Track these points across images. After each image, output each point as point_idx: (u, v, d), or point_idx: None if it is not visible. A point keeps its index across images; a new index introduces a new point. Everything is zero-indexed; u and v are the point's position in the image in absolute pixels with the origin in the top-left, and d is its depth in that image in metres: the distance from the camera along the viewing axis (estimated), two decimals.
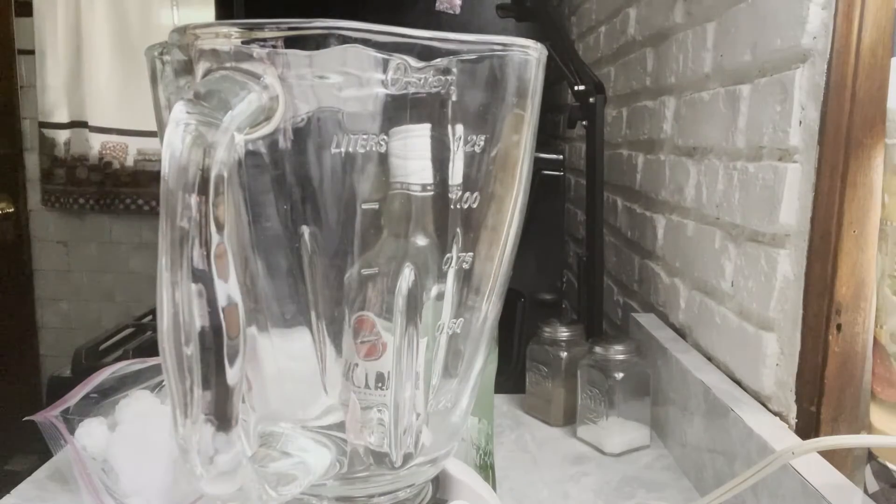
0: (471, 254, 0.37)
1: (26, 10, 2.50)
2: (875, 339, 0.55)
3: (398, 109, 0.32)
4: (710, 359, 0.75)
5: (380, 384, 0.37)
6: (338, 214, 0.34)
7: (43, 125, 2.54)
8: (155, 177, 2.54)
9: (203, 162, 0.27)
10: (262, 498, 0.32)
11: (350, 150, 0.32)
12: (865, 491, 0.52)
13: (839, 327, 0.56)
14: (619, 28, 1.18)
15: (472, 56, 0.33)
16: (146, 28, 2.47)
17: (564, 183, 1.19)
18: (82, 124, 2.51)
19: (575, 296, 1.14)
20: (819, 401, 0.57)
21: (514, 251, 0.40)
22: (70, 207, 2.60)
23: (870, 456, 0.53)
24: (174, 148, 0.27)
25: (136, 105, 2.50)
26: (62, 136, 2.55)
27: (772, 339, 0.62)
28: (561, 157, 1.15)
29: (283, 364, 0.38)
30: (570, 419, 0.85)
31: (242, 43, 0.30)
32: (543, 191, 1.12)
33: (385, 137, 0.32)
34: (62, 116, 2.53)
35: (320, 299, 0.35)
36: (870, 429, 0.55)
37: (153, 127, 0.37)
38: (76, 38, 2.46)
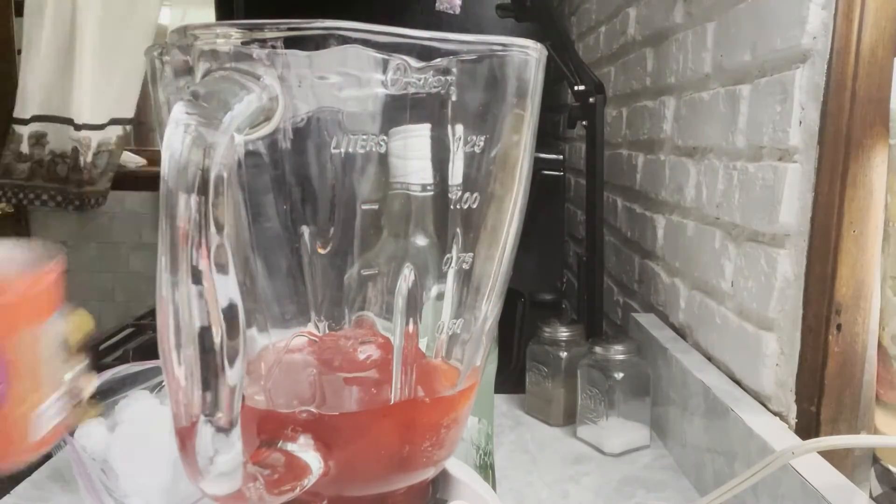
0: (471, 254, 0.37)
1: (20, 8, 2.48)
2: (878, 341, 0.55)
3: (398, 109, 0.32)
4: (710, 359, 0.75)
5: None
6: (338, 214, 0.34)
7: (24, 121, 2.50)
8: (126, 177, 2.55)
9: (203, 162, 0.27)
10: (263, 498, 0.32)
11: (350, 150, 0.32)
12: (870, 494, 0.52)
13: (839, 327, 0.56)
14: (619, 28, 1.18)
15: (472, 56, 0.33)
16: (141, 27, 2.46)
17: (564, 183, 1.19)
18: (67, 121, 2.49)
19: (575, 296, 1.14)
20: (819, 401, 0.57)
21: (514, 251, 0.39)
22: (60, 206, 2.57)
23: (874, 459, 0.53)
24: (174, 148, 0.27)
25: (123, 105, 2.49)
26: (46, 132, 2.52)
27: (772, 339, 0.62)
28: (561, 157, 1.15)
29: None
30: (570, 419, 0.85)
31: (242, 43, 0.30)
32: (543, 191, 1.12)
33: (385, 137, 0.32)
34: (47, 113, 2.50)
35: (320, 299, 0.35)
36: (873, 431, 0.55)
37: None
38: (67, 37, 2.44)
